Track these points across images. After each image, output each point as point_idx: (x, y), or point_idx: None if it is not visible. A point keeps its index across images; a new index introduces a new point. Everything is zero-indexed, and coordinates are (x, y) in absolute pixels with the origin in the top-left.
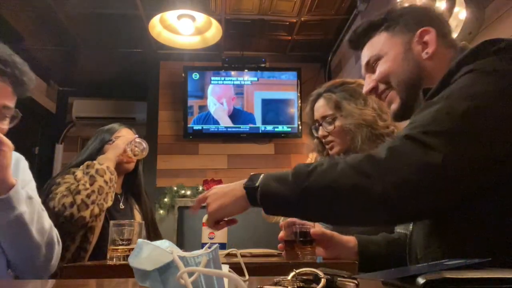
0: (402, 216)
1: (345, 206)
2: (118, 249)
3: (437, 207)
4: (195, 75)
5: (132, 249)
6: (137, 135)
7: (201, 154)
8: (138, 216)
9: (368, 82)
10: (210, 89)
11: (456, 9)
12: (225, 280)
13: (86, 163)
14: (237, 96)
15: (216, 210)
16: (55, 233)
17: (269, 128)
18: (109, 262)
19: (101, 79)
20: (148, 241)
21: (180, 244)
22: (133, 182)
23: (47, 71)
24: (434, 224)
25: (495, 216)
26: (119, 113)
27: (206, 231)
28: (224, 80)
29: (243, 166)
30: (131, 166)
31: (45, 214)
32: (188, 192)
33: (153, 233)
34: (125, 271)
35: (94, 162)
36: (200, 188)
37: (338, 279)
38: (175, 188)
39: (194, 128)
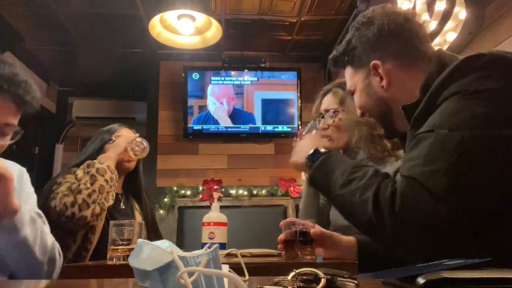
0: (410, 254)
1: (358, 227)
2: (118, 249)
3: (444, 248)
4: (195, 75)
5: (132, 249)
6: (137, 134)
7: (201, 154)
8: (138, 216)
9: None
10: (210, 89)
11: (456, 9)
12: (225, 280)
13: (86, 162)
14: (237, 96)
15: (290, 162)
16: (57, 247)
17: (269, 128)
18: (109, 262)
19: (101, 79)
20: (148, 241)
21: (180, 244)
22: (134, 182)
23: (47, 71)
24: None
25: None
26: (119, 113)
27: (206, 231)
28: (224, 80)
29: (243, 166)
30: (132, 165)
31: (47, 230)
32: (188, 192)
33: (153, 233)
34: (125, 271)
35: (95, 161)
36: (200, 188)
37: (338, 279)
38: (175, 188)
39: (194, 128)
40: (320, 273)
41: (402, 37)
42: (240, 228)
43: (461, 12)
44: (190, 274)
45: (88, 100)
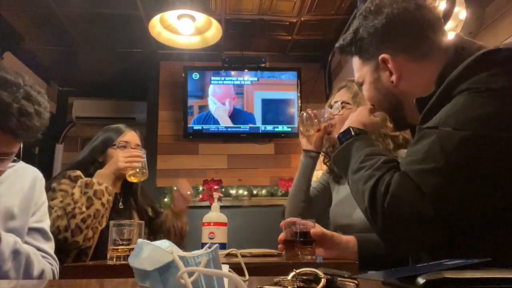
0: (398, 248)
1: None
2: (118, 249)
3: (431, 243)
4: (195, 75)
5: (132, 249)
6: (144, 158)
7: (201, 154)
8: (136, 217)
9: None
10: (211, 89)
11: (456, 9)
12: (225, 280)
13: (85, 180)
14: (237, 96)
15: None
16: (48, 275)
17: (269, 128)
18: (109, 262)
19: (101, 79)
20: (148, 241)
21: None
22: (131, 184)
23: (47, 71)
24: None
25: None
26: (119, 113)
27: (206, 231)
28: (224, 80)
29: (243, 166)
30: None
31: (46, 247)
32: (188, 192)
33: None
34: (125, 271)
35: (94, 181)
36: (200, 188)
37: (338, 279)
38: (175, 188)
39: (194, 128)
40: (320, 273)
41: (414, 26)
42: (240, 228)
43: (461, 12)
44: (190, 274)
45: (88, 100)
